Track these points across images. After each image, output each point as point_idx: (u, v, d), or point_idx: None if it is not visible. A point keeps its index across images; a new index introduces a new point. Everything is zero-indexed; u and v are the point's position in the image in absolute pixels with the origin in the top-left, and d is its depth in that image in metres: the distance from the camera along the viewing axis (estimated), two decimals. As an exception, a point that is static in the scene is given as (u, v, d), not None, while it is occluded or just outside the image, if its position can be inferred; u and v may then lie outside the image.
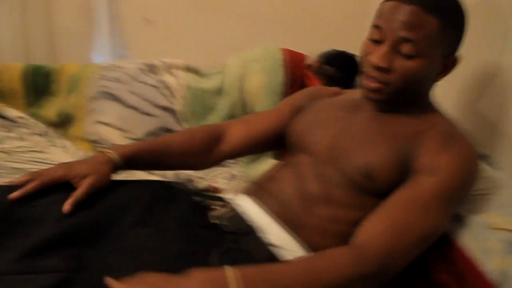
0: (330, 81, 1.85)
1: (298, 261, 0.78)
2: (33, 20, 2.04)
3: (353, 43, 2.10)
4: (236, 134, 1.06)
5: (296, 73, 1.68)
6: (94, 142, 1.58)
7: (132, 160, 0.92)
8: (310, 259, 0.78)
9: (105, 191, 0.85)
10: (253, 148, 1.09)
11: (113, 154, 0.89)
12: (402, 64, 0.83)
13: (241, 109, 1.61)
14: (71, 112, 1.64)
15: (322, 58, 1.95)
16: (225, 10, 2.21)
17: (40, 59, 2.05)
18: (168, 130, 1.51)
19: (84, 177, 0.82)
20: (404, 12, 0.81)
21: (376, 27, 0.86)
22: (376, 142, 0.89)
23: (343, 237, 0.83)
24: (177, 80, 1.66)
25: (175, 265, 0.72)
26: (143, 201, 0.87)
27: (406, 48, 0.82)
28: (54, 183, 0.81)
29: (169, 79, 1.66)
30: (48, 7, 2.06)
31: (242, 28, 2.22)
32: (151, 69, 1.67)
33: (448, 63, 0.88)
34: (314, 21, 2.26)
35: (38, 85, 1.75)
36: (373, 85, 0.87)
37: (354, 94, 0.99)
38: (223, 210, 0.93)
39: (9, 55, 2.05)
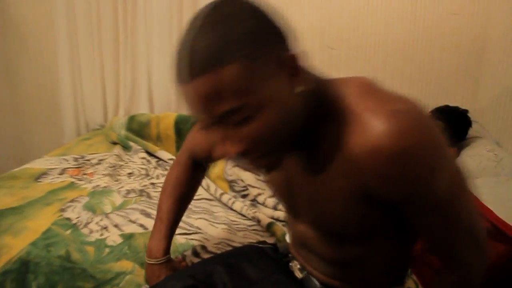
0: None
1: None
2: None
3: (466, 98, 2.27)
4: (201, 150, 1.08)
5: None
6: (231, 181, 1.86)
7: (171, 240, 1.09)
8: None
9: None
10: None
11: (162, 262, 1.06)
12: (249, 130, 0.63)
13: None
14: (213, 156, 1.93)
15: (433, 113, 2.05)
16: (346, 69, 2.39)
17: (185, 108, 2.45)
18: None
19: None
20: (200, 89, 0.60)
21: (195, 119, 0.67)
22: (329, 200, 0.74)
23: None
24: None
25: None
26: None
27: (235, 117, 0.62)
28: None
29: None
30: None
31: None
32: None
33: (288, 64, 0.64)
34: (429, 78, 2.36)
35: (186, 132, 2.08)
36: (262, 165, 0.70)
37: None
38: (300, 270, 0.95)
39: (162, 105, 2.49)
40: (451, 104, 2.09)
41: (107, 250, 1.29)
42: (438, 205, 0.68)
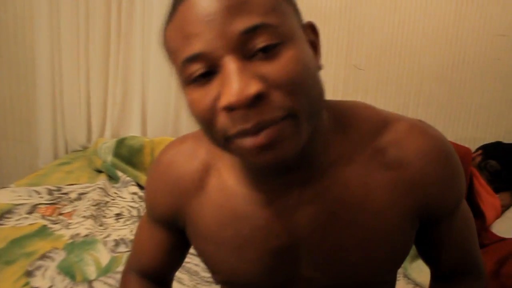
0: (494, 177, 1.72)
1: None
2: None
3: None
4: (160, 265, 0.77)
5: (464, 170, 1.53)
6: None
7: None
8: None
9: None
10: (181, 259, 0.80)
11: None
12: (273, 68, 0.47)
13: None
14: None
15: (485, 151, 1.81)
16: (377, 91, 2.25)
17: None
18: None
19: None
20: None
21: (192, 58, 0.47)
22: None
23: None
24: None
25: None
26: None
27: (260, 40, 0.47)
28: None
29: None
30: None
31: (391, 109, 2.21)
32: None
33: (311, 36, 0.55)
34: (470, 107, 2.22)
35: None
36: (264, 138, 0.47)
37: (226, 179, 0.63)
38: None
39: (157, 128, 2.26)
40: (494, 137, 1.97)
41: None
42: (462, 210, 0.67)
